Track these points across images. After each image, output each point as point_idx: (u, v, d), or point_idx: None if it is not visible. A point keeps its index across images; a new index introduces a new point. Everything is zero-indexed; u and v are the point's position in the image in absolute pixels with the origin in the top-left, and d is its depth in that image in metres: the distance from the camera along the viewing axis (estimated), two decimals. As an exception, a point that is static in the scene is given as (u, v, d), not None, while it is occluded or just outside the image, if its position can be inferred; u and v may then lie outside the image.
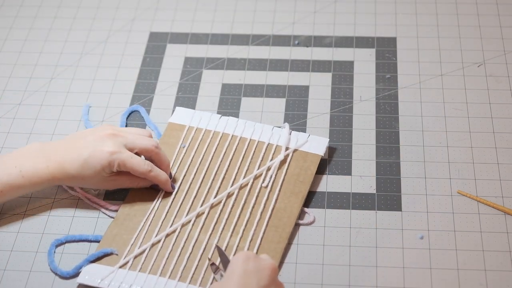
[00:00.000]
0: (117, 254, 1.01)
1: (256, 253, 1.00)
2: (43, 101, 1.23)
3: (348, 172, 1.11)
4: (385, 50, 1.28)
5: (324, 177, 1.10)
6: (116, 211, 1.07)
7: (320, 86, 1.23)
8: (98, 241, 1.04)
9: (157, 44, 1.31)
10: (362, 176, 1.10)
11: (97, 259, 1.01)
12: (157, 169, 1.06)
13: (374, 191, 1.08)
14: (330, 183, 1.10)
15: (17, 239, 1.05)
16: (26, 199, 1.10)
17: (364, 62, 1.27)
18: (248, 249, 1.01)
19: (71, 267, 1.01)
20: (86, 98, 1.23)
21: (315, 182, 1.10)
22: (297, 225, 1.05)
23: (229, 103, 1.21)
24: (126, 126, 1.19)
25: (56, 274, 1.01)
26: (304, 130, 1.16)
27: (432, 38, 1.29)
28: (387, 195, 1.08)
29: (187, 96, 1.23)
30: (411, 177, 1.10)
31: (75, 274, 1.01)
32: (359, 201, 1.07)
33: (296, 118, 1.18)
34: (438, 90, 1.21)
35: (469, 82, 1.22)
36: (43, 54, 1.31)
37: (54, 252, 1.03)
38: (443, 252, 1.01)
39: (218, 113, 1.20)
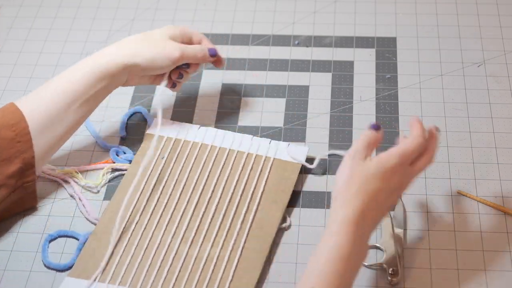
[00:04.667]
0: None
1: (237, 263, 0.99)
2: (43, 101, 1.23)
3: (348, 172, 1.11)
4: (385, 50, 1.28)
5: (324, 177, 1.10)
6: (96, 220, 1.06)
7: (320, 86, 1.23)
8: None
9: (157, 44, 1.31)
10: (362, 176, 1.10)
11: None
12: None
13: (374, 191, 1.08)
14: (331, 183, 1.10)
15: (17, 239, 1.05)
16: (26, 199, 1.10)
17: (364, 62, 1.27)
18: (228, 259, 1.00)
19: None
20: (86, 98, 1.23)
21: (315, 182, 1.10)
22: (279, 230, 1.04)
23: (229, 103, 1.21)
24: (126, 126, 1.19)
25: (49, 268, 1.02)
26: (304, 130, 1.16)
27: (432, 38, 1.29)
28: (387, 195, 1.08)
29: (187, 96, 1.23)
30: (411, 177, 1.10)
31: (68, 267, 1.02)
32: (359, 201, 1.07)
33: (296, 118, 1.18)
34: (438, 90, 1.21)
35: (469, 82, 1.22)
36: (43, 54, 1.31)
37: (48, 247, 1.03)
38: (443, 252, 1.01)
39: (218, 113, 1.20)
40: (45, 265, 1.02)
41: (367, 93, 1.22)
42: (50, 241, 1.04)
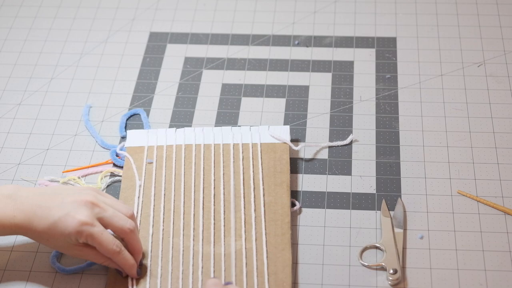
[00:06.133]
0: None
1: (266, 249, 1.00)
2: (43, 101, 1.23)
3: (348, 172, 1.11)
4: (385, 50, 1.28)
5: (324, 177, 1.11)
6: None
7: (320, 86, 1.23)
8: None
9: (157, 44, 1.31)
10: (362, 176, 1.10)
11: None
12: (126, 252, 0.97)
13: (374, 191, 1.08)
14: (330, 183, 1.10)
15: (17, 239, 1.05)
16: (26, 199, 1.10)
17: (364, 62, 1.27)
18: (256, 248, 1.00)
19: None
20: (86, 98, 1.23)
21: (315, 182, 1.10)
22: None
23: (229, 103, 1.21)
24: (125, 127, 1.19)
25: (57, 271, 1.01)
26: (304, 130, 1.16)
27: (432, 38, 1.29)
28: (387, 195, 1.08)
29: (187, 96, 1.23)
30: (411, 177, 1.10)
31: (75, 271, 1.01)
32: (359, 201, 1.07)
33: (296, 118, 1.18)
34: (438, 90, 1.21)
35: (469, 82, 1.22)
36: (43, 54, 1.31)
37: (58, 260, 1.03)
38: (443, 252, 1.01)
39: (218, 113, 1.20)
40: (52, 267, 1.02)
41: (367, 93, 1.22)
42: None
